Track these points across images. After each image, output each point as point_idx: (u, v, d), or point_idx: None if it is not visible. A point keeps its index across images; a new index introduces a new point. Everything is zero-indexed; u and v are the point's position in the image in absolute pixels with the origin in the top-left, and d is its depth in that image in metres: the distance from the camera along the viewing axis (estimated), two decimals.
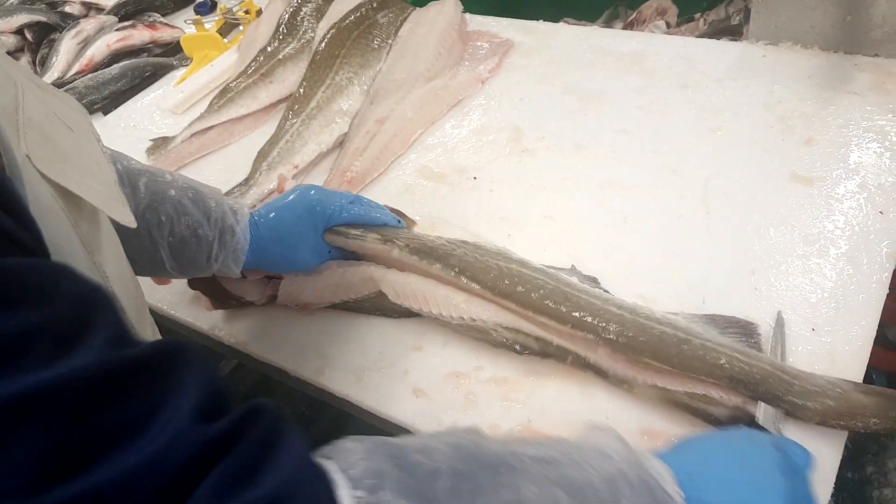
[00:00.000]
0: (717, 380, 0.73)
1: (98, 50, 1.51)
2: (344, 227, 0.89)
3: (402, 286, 0.87)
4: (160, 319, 0.98)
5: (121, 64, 1.48)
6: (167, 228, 0.77)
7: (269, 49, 1.36)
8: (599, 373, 0.78)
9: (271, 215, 0.86)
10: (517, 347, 0.81)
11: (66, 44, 1.53)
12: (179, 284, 0.99)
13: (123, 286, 0.56)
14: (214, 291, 0.93)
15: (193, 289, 0.94)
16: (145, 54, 1.56)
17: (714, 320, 0.80)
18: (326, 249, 0.90)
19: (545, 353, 0.80)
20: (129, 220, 0.54)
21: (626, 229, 0.96)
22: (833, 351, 0.78)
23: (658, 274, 0.89)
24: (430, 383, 0.83)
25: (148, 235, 0.77)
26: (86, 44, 1.54)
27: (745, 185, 0.98)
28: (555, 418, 0.77)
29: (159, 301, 1.00)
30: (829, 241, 0.88)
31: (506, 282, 0.82)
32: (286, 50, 1.35)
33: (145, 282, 0.92)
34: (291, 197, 0.88)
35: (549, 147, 1.12)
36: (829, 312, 0.81)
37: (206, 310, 0.95)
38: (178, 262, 0.80)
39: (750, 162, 1.01)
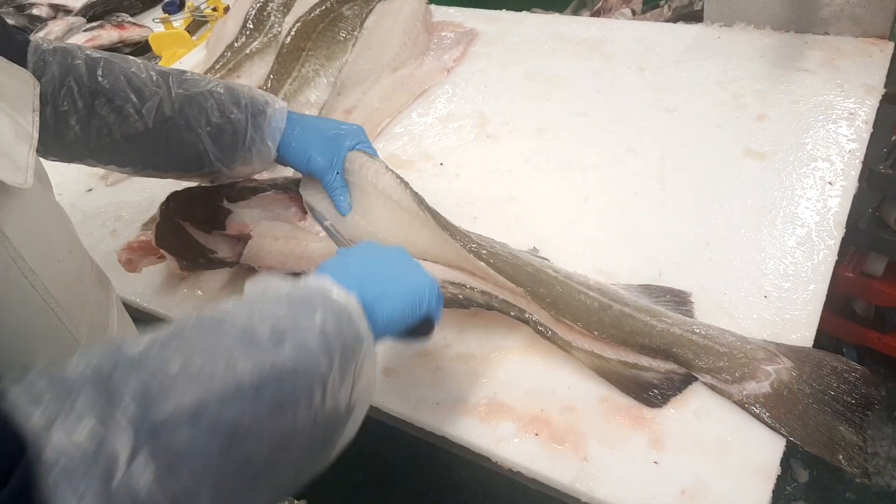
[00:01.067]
0: (632, 346, 0.77)
1: None
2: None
3: None
4: (134, 312, 1.00)
5: None
6: (203, 119, 0.85)
7: (236, 44, 1.38)
8: (541, 333, 0.80)
9: (309, 118, 0.94)
10: (462, 299, 0.83)
11: None
12: (151, 276, 1.01)
13: (47, 261, 0.62)
14: (184, 246, 0.93)
15: (160, 247, 0.95)
16: None
17: (649, 290, 0.84)
18: (336, 170, 0.91)
19: (489, 305, 0.82)
20: (18, 181, 0.57)
21: (586, 208, 0.99)
22: (785, 316, 0.81)
23: (616, 249, 0.92)
24: (399, 362, 0.85)
25: (188, 128, 0.85)
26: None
27: (700, 162, 1.01)
28: (519, 390, 0.79)
29: (132, 294, 1.01)
30: (780, 212, 0.91)
31: (458, 237, 0.85)
32: (253, 45, 1.37)
33: (119, 274, 0.94)
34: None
35: (512, 132, 1.14)
36: (781, 280, 0.84)
37: (174, 273, 0.97)
38: (220, 149, 0.87)
39: (705, 139, 1.04)
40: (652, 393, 0.75)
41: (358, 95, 1.21)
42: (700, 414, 0.74)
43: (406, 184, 0.89)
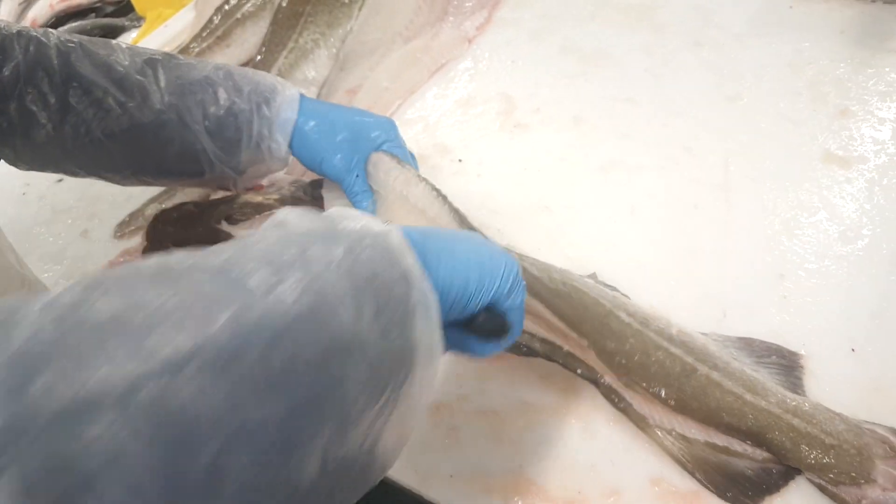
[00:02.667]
0: (716, 426, 0.62)
1: (40, 12, 1.37)
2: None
3: None
4: None
5: (66, 27, 1.35)
6: (200, 111, 0.73)
7: (226, 7, 1.20)
8: (613, 402, 0.66)
9: (328, 107, 0.81)
10: (521, 346, 0.70)
11: (6, 5, 1.39)
12: None
13: None
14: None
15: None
16: (93, 15, 1.41)
17: (751, 345, 0.68)
18: (356, 173, 0.79)
19: (550, 357, 0.69)
20: None
21: (633, 222, 0.83)
22: (878, 376, 0.66)
23: (670, 279, 0.77)
24: None
25: (181, 123, 0.72)
26: (27, 4, 1.38)
27: (771, 167, 0.85)
28: (551, 464, 0.66)
29: None
30: (870, 239, 0.75)
31: None
32: (246, 7, 1.19)
33: None
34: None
35: (543, 120, 0.98)
36: (873, 328, 0.69)
37: None
38: (222, 148, 0.75)
39: (775, 138, 0.88)
40: (743, 488, 0.60)
41: (364, 72, 1.05)
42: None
43: (444, 197, 0.75)
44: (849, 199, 0.79)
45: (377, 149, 0.79)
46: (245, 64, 1.15)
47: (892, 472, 0.59)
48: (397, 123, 1.01)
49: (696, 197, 0.84)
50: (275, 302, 0.33)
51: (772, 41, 1.00)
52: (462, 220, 0.75)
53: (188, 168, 0.77)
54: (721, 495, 0.61)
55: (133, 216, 0.97)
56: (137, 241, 0.95)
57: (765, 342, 0.69)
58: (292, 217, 0.43)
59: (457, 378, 0.73)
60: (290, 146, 0.78)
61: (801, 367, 0.67)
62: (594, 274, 0.77)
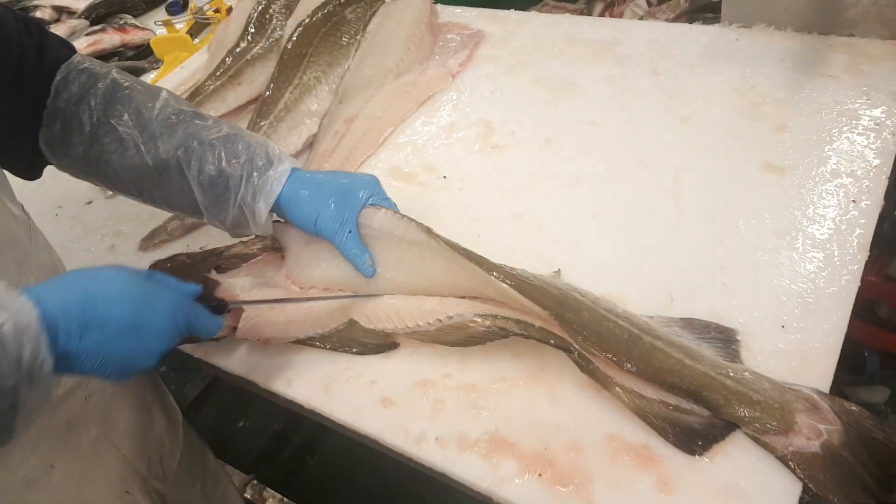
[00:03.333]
0: (661, 385, 0.72)
1: None
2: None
3: (373, 309, 0.86)
4: None
5: None
6: (197, 167, 0.83)
7: (237, 49, 1.34)
8: (581, 366, 0.75)
9: (319, 175, 0.89)
10: (498, 330, 0.79)
11: None
12: None
13: None
14: None
15: None
16: (116, 58, 1.54)
17: (692, 324, 0.79)
18: (348, 229, 0.86)
19: (528, 335, 0.78)
20: None
21: (595, 226, 0.94)
22: (803, 349, 0.76)
23: (626, 271, 0.88)
24: (397, 392, 0.82)
25: (180, 173, 0.83)
26: None
27: (716, 177, 0.96)
28: (522, 426, 0.76)
29: None
30: (800, 234, 0.87)
31: (478, 262, 0.81)
32: (255, 50, 1.33)
33: None
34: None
35: (518, 142, 1.10)
36: (800, 308, 0.80)
37: None
38: (212, 203, 0.85)
39: (721, 151, 0.99)
40: (693, 438, 0.70)
41: (360, 103, 1.17)
42: (714, 456, 0.70)
43: (427, 228, 0.85)
44: (782, 201, 0.91)
45: (364, 205, 0.86)
46: (255, 99, 1.28)
47: (813, 423, 0.70)
48: (389, 148, 1.15)
49: (650, 204, 0.95)
50: None
51: (720, 69, 1.12)
52: (438, 237, 0.84)
53: (185, 209, 0.88)
54: (672, 443, 0.71)
55: (156, 232, 1.09)
56: (160, 253, 1.06)
57: (703, 320, 0.80)
58: None
59: (441, 358, 0.83)
60: (282, 212, 0.86)
61: (738, 340, 0.78)
62: (559, 271, 0.88)
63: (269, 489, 1.48)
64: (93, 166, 0.84)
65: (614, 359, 0.73)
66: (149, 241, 1.08)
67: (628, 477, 0.70)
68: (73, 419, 0.79)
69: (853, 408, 0.71)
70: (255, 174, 0.84)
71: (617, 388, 0.74)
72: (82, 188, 1.24)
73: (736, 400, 0.71)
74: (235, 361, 0.90)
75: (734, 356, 0.77)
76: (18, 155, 0.83)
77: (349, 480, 1.70)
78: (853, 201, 0.89)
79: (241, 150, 0.84)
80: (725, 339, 0.78)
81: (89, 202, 1.21)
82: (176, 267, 0.93)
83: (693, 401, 0.72)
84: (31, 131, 0.81)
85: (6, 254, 0.72)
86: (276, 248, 0.95)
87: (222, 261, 0.93)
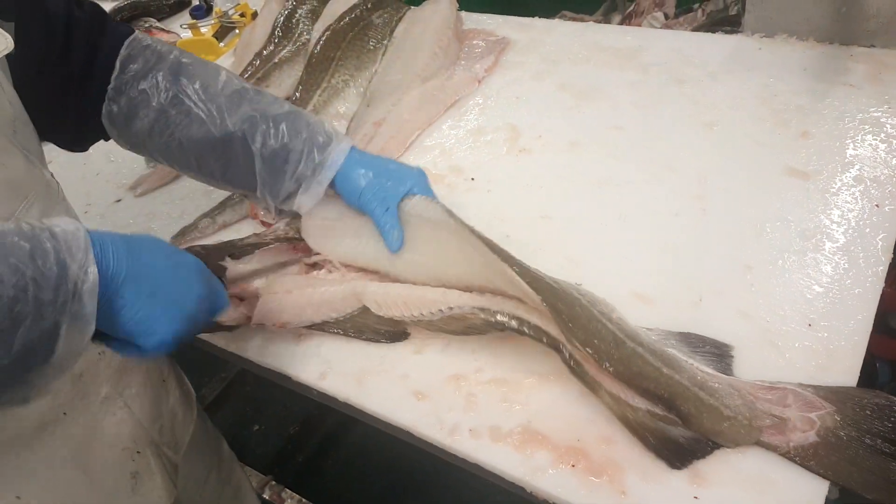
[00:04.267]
0: (637, 390, 0.73)
1: None
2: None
3: (384, 296, 0.88)
4: None
5: None
6: (260, 140, 0.87)
7: (264, 53, 1.37)
8: (571, 368, 0.76)
9: (373, 158, 0.93)
10: (494, 323, 0.81)
11: None
12: None
13: None
14: None
15: None
16: None
17: (688, 338, 0.80)
18: (387, 206, 0.89)
19: (521, 331, 0.80)
20: None
21: (622, 227, 0.96)
22: (830, 346, 0.78)
23: (654, 272, 0.90)
24: (430, 386, 0.83)
25: (244, 145, 0.87)
26: None
27: (741, 181, 0.98)
28: (554, 419, 0.77)
29: None
30: (825, 236, 0.88)
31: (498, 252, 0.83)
32: (282, 53, 1.36)
33: None
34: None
35: (545, 146, 1.12)
36: (826, 308, 0.81)
37: None
38: (268, 171, 0.88)
39: (745, 157, 1.01)
40: (675, 451, 0.71)
41: (388, 107, 1.20)
42: (744, 448, 0.71)
43: (449, 209, 0.88)
44: (806, 205, 0.92)
45: (408, 193, 0.90)
46: None
47: (804, 415, 0.71)
48: (417, 150, 1.17)
49: (676, 206, 0.97)
50: None
51: (743, 77, 1.14)
52: (471, 228, 0.86)
53: (243, 181, 0.91)
54: (655, 454, 0.72)
55: (186, 229, 1.11)
56: None
57: (700, 335, 0.80)
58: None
59: (472, 353, 0.85)
60: (335, 184, 0.91)
61: (731, 356, 0.79)
62: (579, 284, 0.89)
63: (287, 490, 1.49)
64: (156, 139, 0.88)
65: (595, 355, 0.74)
66: (179, 239, 1.10)
67: (661, 468, 0.71)
68: (86, 372, 0.81)
69: (846, 387, 0.73)
70: (315, 150, 0.88)
71: (605, 394, 0.75)
72: (111, 186, 1.26)
73: (706, 413, 0.71)
74: (268, 355, 0.92)
75: (727, 369, 0.78)
76: (70, 126, 0.86)
77: (366, 482, 1.71)
78: (876, 205, 0.91)
79: (302, 127, 0.89)
80: (719, 353, 0.79)
81: (118, 200, 1.23)
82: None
83: (667, 409, 0.72)
84: (91, 104, 0.85)
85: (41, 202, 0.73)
86: (289, 239, 0.98)
87: (236, 250, 0.95)
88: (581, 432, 0.76)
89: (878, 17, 1.09)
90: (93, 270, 0.57)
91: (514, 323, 0.80)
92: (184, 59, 0.88)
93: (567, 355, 0.77)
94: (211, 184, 0.94)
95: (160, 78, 0.85)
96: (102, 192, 1.24)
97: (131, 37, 0.86)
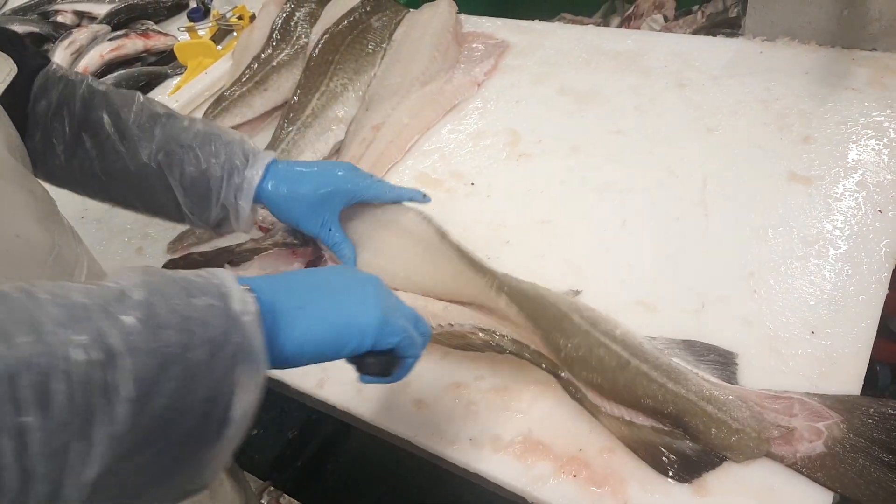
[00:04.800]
0: (643, 410, 0.73)
1: (91, 60, 1.51)
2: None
3: None
4: None
5: (115, 74, 1.48)
6: (178, 170, 0.83)
7: (262, 56, 1.35)
8: (570, 393, 0.76)
9: (297, 169, 0.88)
10: (493, 346, 0.80)
11: (60, 54, 1.52)
12: None
13: None
14: None
15: None
16: (139, 63, 1.55)
17: (692, 346, 0.79)
18: (328, 227, 0.89)
19: (521, 355, 0.79)
20: None
21: (624, 233, 0.95)
22: (833, 354, 0.77)
23: (656, 278, 0.89)
24: (430, 394, 0.83)
25: (162, 176, 0.83)
26: (79, 54, 1.53)
27: (743, 186, 0.97)
28: (556, 428, 0.77)
29: None
30: (828, 242, 0.88)
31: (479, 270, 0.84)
32: (280, 56, 1.35)
33: None
34: (319, 167, 0.91)
35: (545, 150, 1.11)
36: (829, 314, 0.81)
37: None
38: (191, 201, 0.84)
39: (748, 162, 1.00)
40: (683, 465, 0.70)
41: (387, 111, 1.19)
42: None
43: (430, 218, 0.87)
44: (809, 210, 0.92)
45: (347, 201, 0.89)
46: (280, 105, 1.30)
47: (810, 424, 0.70)
48: (416, 155, 1.16)
49: (678, 212, 0.96)
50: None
51: (744, 81, 1.14)
52: (443, 234, 0.88)
53: (170, 214, 0.87)
54: (661, 471, 0.71)
55: (184, 235, 1.10)
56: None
57: (704, 343, 0.80)
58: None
59: (473, 362, 0.84)
60: (269, 206, 0.87)
61: (736, 364, 0.78)
62: (576, 291, 0.88)
63: (285, 496, 1.48)
64: (76, 174, 0.83)
65: (598, 388, 0.74)
66: (177, 244, 1.09)
67: (664, 478, 0.71)
68: None
69: (852, 395, 0.72)
70: (234, 173, 0.84)
71: (605, 417, 0.74)
72: None
73: (715, 427, 0.70)
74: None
75: (731, 377, 0.77)
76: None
77: (364, 488, 1.70)
78: (879, 210, 0.90)
79: (219, 149, 0.84)
80: (724, 361, 0.78)
81: None
82: (190, 265, 0.94)
83: (674, 426, 0.72)
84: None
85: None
86: (287, 244, 0.97)
87: (234, 257, 0.94)
88: (583, 442, 0.75)
89: (881, 21, 1.09)
90: (251, 297, 0.49)
91: (513, 347, 0.79)
92: (97, 87, 0.83)
93: (566, 382, 0.76)
94: (144, 215, 0.91)
95: (73, 108, 0.80)
96: None
97: (45, 68, 0.82)
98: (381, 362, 0.61)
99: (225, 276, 0.50)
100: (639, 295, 0.87)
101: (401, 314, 0.62)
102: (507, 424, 0.78)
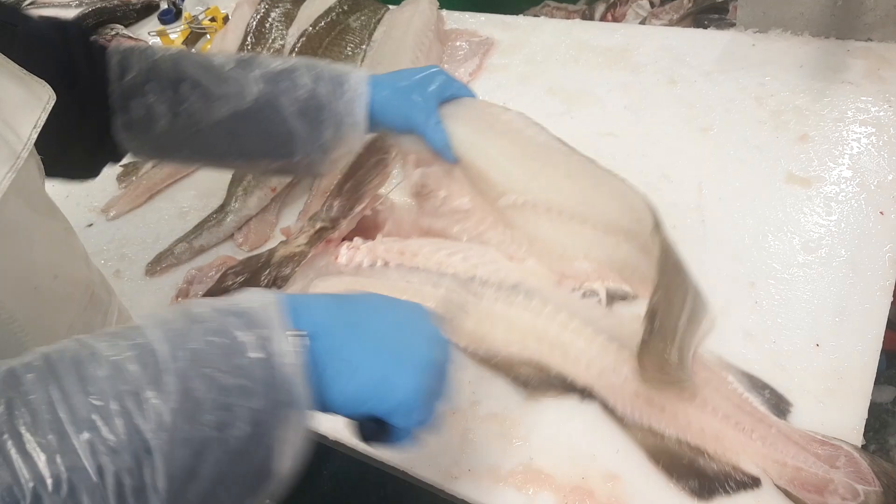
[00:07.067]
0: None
1: None
2: None
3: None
4: None
5: None
6: (286, 98, 0.81)
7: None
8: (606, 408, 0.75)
9: (391, 75, 0.89)
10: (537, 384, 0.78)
11: None
12: None
13: (18, 286, 0.59)
14: None
15: None
16: None
17: (751, 378, 0.76)
18: (434, 120, 0.86)
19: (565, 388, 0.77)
20: None
21: None
22: (839, 367, 0.75)
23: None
24: None
25: (273, 108, 0.81)
26: None
27: (740, 189, 0.94)
28: (557, 456, 0.74)
29: None
30: (829, 248, 0.85)
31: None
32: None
33: None
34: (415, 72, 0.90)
35: None
36: (833, 325, 0.78)
37: None
38: (310, 127, 0.82)
39: (744, 163, 0.98)
40: (702, 482, 0.68)
41: None
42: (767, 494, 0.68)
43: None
44: (809, 214, 0.89)
45: (443, 96, 0.88)
46: None
47: (851, 483, 0.66)
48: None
49: (674, 218, 0.92)
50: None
51: (738, 76, 1.10)
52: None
53: (281, 149, 0.85)
54: (680, 485, 0.68)
55: (162, 256, 1.06)
56: (167, 277, 1.03)
57: (761, 380, 0.76)
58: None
59: (468, 385, 0.81)
60: (370, 117, 0.84)
61: (790, 410, 0.73)
62: None
63: None
64: (181, 135, 0.82)
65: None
66: (155, 266, 1.05)
67: None
68: None
69: (892, 468, 0.69)
70: (338, 89, 0.82)
71: (631, 429, 0.73)
72: (82, 210, 1.21)
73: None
74: None
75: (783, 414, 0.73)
76: (82, 153, 0.81)
77: (357, 498, 1.67)
78: (881, 213, 0.87)
79: (320, 70, 0.84)
80: (776, 402, 0.74)
81: (89, 225, 1.17)
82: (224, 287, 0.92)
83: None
84: (101, 122, 0.80)
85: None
86: (318, 233, 0.93)
87: (272, 268, 0.91)
88: (585, 469, 0.72)
89: (876, 10, 1.05)
90: (295, 347, 0.45)
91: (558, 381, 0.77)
92: (169, 49, 0.84)
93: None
94: (244, 168, 0.91)
95: (164, 69, 0.80)
96: (73, 216, 1.17)
97: (112, 45, 0.81)
98: (381, 428, 0.54)
99: (270, 317, 0.46)
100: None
101: (434, 394, 0.54)
102: (506, 453, 0.75)
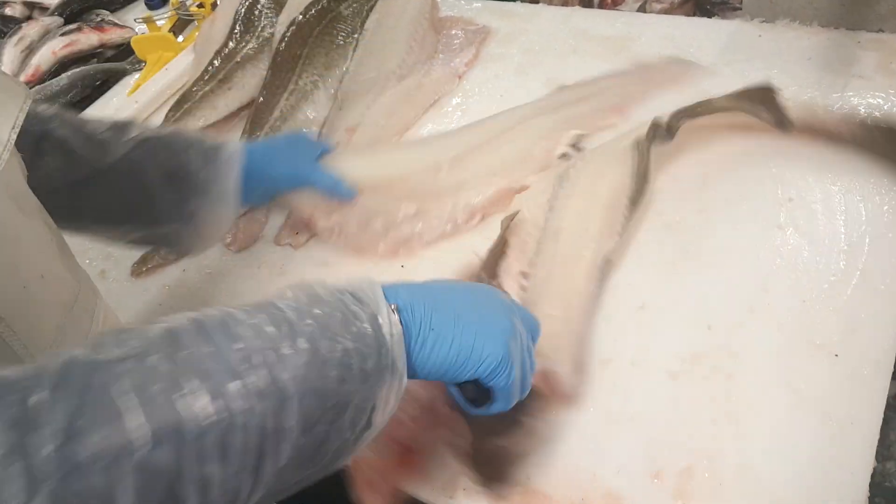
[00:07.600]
0: None
1: (44, 58, 1.40)
2: None
3: None
4: None
5: (69, 73, 1.37)
6: (151, 161, 0.79)
7: (225, 50, 1.26)
8: None
9: (263, 143, 0.93)
10: None
11: (9, 52, 1.42)
12: None
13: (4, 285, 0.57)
14: None
15: None
16: (95, 60, 1.45)
17: None
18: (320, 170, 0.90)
19: None
20: None
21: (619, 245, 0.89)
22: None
23: (654, 294, 0.82)
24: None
25: (138, 170, 0.79)
26: (30, 51, 1.42)
27: (745, 194, 0.90)
28: (555, 474, 0.71)
29: None
30: (863, 254, 0.81)
31: None
32: (244, 50, 1.25)
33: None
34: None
35: None
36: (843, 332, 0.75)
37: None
38: (174, 191, 0.80)
39: (747, 165, 0.93)
40: None
41: (361, 110, 1.10)
42: None
43: None
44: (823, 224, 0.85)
45: (316, 152, 0.91)
46: (247, 105, 1.21)
47: None
48: None
49: (678, 218, 0.90)
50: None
51: (743, 69, 1.06)
52: None
53: (143, 217, 0.82)
54: None
55: (147, 257, 1.02)
56: (154, 279, 1.00)
57: None
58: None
59: None
60: (250, 185, 0.83)
61: None
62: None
63: None
64: (38, 192, 0.72)
65: None
66: (141, 267, 1.01)
67: None
68: None
69: None
70: (209, 156, 0.81)
71: None
72: None
73: None
74: None
75: None
76: None
77: None
78: None
79: (191, 141, 0.83)
80: None
81: None
82: None
83: None
84: None
85: None
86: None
87: None
88: (585, 489, 0.69)
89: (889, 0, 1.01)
90: (395, 319, 0.54)
91: None
92: (51, 109, 0.79)
93: None
94: (107, 235, 0.86)
95: (27, 129, 0.74)
96: None
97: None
98: (480, 391, 0.63)
99: (375, 294, 0.54)
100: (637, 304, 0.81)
101: (522, 353, 0.62)
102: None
